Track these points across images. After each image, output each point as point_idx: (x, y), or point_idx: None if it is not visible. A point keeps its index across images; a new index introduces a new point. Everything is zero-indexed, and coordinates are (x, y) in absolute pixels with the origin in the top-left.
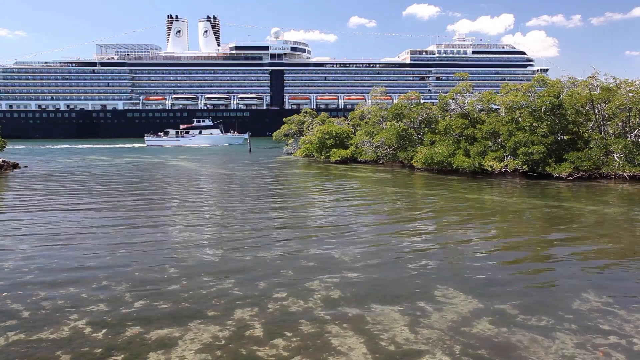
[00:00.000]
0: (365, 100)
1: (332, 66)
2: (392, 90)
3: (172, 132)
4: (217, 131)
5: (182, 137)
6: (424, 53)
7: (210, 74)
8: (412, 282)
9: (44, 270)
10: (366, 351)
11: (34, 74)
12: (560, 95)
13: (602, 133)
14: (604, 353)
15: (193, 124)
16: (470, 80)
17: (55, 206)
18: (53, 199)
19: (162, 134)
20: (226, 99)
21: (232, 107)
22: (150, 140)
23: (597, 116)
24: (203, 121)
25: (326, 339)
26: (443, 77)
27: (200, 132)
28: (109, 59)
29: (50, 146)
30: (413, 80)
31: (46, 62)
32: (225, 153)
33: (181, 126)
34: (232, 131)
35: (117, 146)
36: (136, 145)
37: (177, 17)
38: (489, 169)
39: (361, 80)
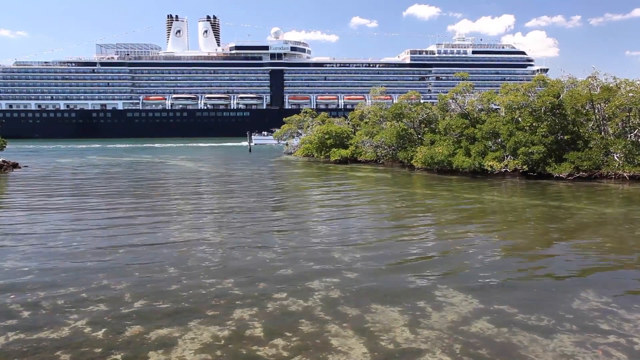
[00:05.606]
0: (365, 100)
1: (332, 66)
2: (392, 90)
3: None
4: None
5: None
6: (424, 53)
7: (210, 73)
8: (412, 282)
9: (44, 270)
10: (366, 351)
11: (34, 73)
12: (560, 95)
13: (602, 133)
14: (604, 352)
15: None
16: (470, 80)
17: (55, 206)
18: (53, 199)
19: (265, 133)
20: (226, 98)
21: (232, 107)
22: (257, 139)
23: (597, 116)
24: None
25: (326, 339)
26: (443, 77)
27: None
28: (109, 58)
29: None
30: (413, 80)
31: (46, 62)
32: (225, 153)
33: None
34: None
35: (225, 145)
36: (244, 143)
37: (177, 17)
38: (489, 169)
39: (361, 80)
